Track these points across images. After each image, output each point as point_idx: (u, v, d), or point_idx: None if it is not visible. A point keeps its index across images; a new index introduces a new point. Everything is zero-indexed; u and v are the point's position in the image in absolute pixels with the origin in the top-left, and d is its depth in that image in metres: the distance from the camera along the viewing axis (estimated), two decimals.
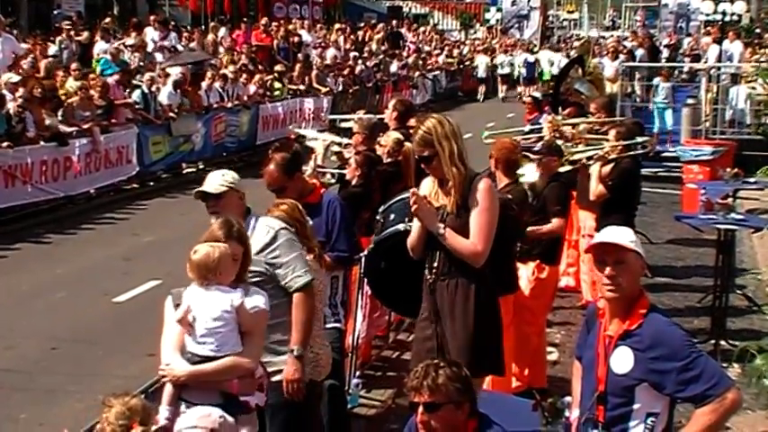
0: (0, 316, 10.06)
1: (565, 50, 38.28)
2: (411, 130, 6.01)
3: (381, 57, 29.18)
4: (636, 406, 4.01)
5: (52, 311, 10.27)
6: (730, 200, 10.11)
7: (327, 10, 39.35)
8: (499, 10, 51.84)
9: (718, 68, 21.41)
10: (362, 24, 34.98)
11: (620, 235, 4.12)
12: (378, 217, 6.33)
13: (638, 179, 10.06)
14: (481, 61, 37.24)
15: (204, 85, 19.53)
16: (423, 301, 5.59)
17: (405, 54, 32.74)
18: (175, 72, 18.82)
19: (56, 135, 14.88)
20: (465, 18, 52.64)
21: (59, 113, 15.26)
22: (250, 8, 34.44)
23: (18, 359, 8.90)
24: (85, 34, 20.23)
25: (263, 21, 26.80)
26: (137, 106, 17.34)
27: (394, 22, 38.50)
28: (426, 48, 35.74)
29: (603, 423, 4.07)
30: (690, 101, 19.80)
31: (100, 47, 19.57)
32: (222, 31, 25.32)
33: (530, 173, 7.86)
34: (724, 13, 25.58)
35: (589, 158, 9.55)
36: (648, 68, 23.52)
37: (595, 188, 9.25)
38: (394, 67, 29.78)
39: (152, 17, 23.77)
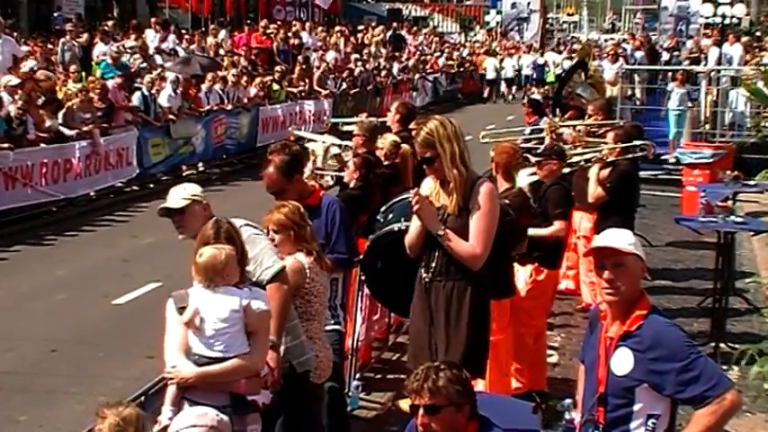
0: (0, 318, 10.06)
1: (567, 52, 38.32)
2: (413, 133, 6.01)
3: (382, 60, 29.15)
4: (636, 407, 4.01)
5: (52, 313, 10.27)
6: (730, 203, 10.10)
7: (327, 12, 39.35)
8: (499, 12, 51.85)
9: (718, 71, 21.41)
10: (362, 27, 34.99)
11: (618, 238, 4.13)
12: (378, 217, 6.34)
13: (637, 182, 10.07)
14: (489, 63, 37.43)
15: (204, 87, 19.53)
16: (415, 300, 5.60)
17: (405, 56, 32.74)
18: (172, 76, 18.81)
19: (56, 137, 14.88)
20: (465, 20, 52.64)
21: (60, 116, 15.26)
22: (250, 10, 34.47)
23: (18, 361, 8.90)
24: (85, 36, 20.21)
25: (263, 23, 26.80)
26: (137, 108, 17.33)
27: (394, 24, 38.47)
28: (426, 50, 35.74)
29: (604, 424, 4.08)
30: (689, 104, 19.81)
31: (99, 49, 19.56)
32: (222, 34, 25.34)
33: (522, 177, 7.83)
34: (723, 16, 25.56)
35: (587, 161, 9.56)
36: (648, 71, 23.51)
37: (594, 191, 9.26)
38: (394, 70, 29.80)
39: (152, 19, 23.78)
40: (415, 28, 40.35)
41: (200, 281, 4.72)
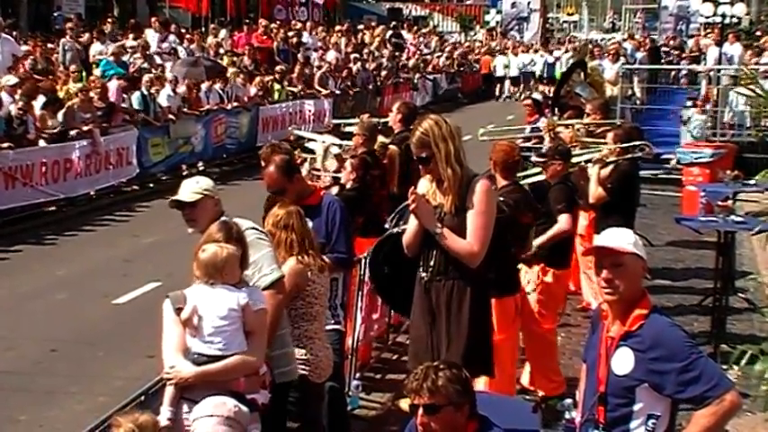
0: (0, 317, 10.07)
1: (569, 50, 38.39)
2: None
3: (384, 60, 29.13)
4: (636, 407, 4.01)
5: (52, 313, 10.27)
6: (730, 202, 10.10)
7: (327, 12, 39.36)
8: (499, 12, 51.84)
9: (718, 71, 21.40)
10: (362, 26, 34.99)
11: (617, 238, 4.13)
12: (387, 225, 6.35)
13: (637, 181, 10.07)
14: (499, 62, 37.65)
15: (204, 86, 19.52)
16: (415, 300, 5.60)
17: (405, 56, 32.73)
18: (171, 76, 18.81)
19: (56, 136, 14.89)
20: (465, 20, 52.64)
21: (60, 115, 15.26)
22: (250, 10, 34.45)
23: (18, 360, 8.91)
24: (87, 36, 20.21)
25: (264, 22, 26.79)
26: (136, 108, 17.33)
27: (393, 23, 38.48)
28: (426, 50, 35.74)
29: (604, 424, 4.08)
30: (689, 103, 19.79)
31: (96, 48, 19.53)
32: (222, 33, 25.34)
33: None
34: (723, 16, 25.54)
35: (587, 161, 9.56)
36: (649, 71, 23.50)
37: (594, 191, 9.26)
38: (395, 69, 29.77)
39: (153, 19, 23.77)
40: (415, 27, 40.35)
41: (200, 276, 4.73)
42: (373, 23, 37.91)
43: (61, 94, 16.23)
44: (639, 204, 10.61)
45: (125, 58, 19.23)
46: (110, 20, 22.48)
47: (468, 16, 53.61)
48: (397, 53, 31.63)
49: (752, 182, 12.31)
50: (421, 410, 3.96)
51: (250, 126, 20.75)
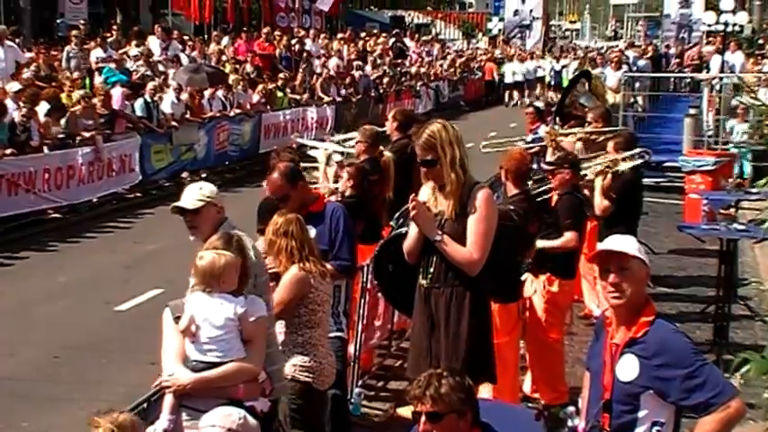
0: (3, 324, 10.07)
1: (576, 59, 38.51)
2: (413, 137, 6.01)
3: (386, 67, 29.15)
4: (641, 414, 4.01)
5: (55, 319, 10.27)
6: (732, 210, 10.10)
7: (330, 19, 39.41)
8: (501, 20, 51.92)
9: (721, 79, 21.41)
10: (364, 34, 35.03)
11: (623, 243, 4.14)
12: (392, 223, 6.35)
13: (640, 190, 10.05)
14: (508, 69, 37.87)
15: (206, 94, 19.54)
16: (415, 307, 5.59)
17: (408, 63, 32.77)
18: (175, 83, 18.83)
19: (59, 143, 14.92)
20: (467, 28, 52.72)
21: (63, 122, 15.29)
22: (253, 17, 34.51)
23: (20, 367, 8.91)
24: (92, 44, 20.24)
25: (266, 30, 26.83)
26: (139, 115, 17.35)
27: (395, 31, 38.53)
28: (427, 58, 35.78)
29: (609, 431, 4.08)
30: (692, 111, 19.80)
31: (96, 54, 19.53)
32: (225, 41, 25.37)
33: None
34: (726, 24, 25.59)
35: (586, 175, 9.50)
36: (651, 78, 23.51)
37: (600, 203, 9.18)
38: (398, 77, 29.80)
39: (156, 26, 23.80)
40: (417, 35, 40.41)
41: (198, 283, 4.72)
42: (375, 31, 37.97)
43: (65, 101, 16.24)
44: (642, 212, 10.60)
45: (128, 65, 19.26)
46: (114, 27, 22.51)
47: (471, 24, 53.70)
48: (399, 60, 31.67)
49: (754, 189, 12.32)
50: (423, 418, 3.95)
51: (253, 133, 20.76)
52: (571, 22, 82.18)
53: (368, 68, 27.79)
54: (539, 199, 7.92)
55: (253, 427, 4.50)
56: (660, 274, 11.26)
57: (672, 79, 29.62)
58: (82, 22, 23.55)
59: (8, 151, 13.80)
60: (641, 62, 27.33)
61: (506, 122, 27.19)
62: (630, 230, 8.59)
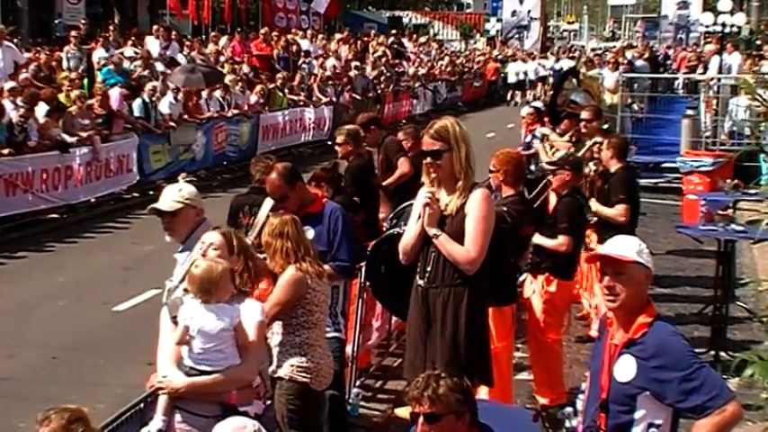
0: (1, 324, 10.06)
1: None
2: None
3: (383, 68, 29.12)
4: (637, 415, 4.01)
5: (53, 320, 10.27)
6: (730, 211, 10.10)
7: (328, 20, 39.38)
8: (499, 20, 51.98)
9: (718, 80, 21.41)
10: (360, 34, 35.02)
11: (621, 247, 4.13)
12: (386, 224, 6.35)
13: (637, 190, 10.02)
14: (511, 69, 38.10)
15: (204, 94, 19.53)
16: (411, 307, 5.59)
17: (406, 64, 32.76)
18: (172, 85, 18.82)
19: (57, 144, 14.91)
20: (465, 28, 52.72)
21: (60, 122, 15.27)
22: (251, 18, 34.48)
23: (18, 368, 8.90)
24: (94, 44, 20.23)
25: (264, 30, 26.81)
26: (137, 116, 17.35)
27: (393, 32, 38.53)
28: (426, 58, 35.79)
29: (605, 431, 4.08)
30: (689, 112, 19.82)
31: (99, 54, 19.54)
32: (223, 41, 25.36)
33: None
34: (724, 25, 25.60)
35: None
36: (649, 79, 23.50)
37: (616, 212, 8.89)
38: (396, 78, 29.78)
39: (155, 27, 23.78)
40: (415, 35, 40.42)
41: (193, 292, 4.68)
42: (373, 31, 37.96)
43: (64, 101, 16.22)
44: (640, 213, 10.59)
45: (126, 65, 19.24)
46: (111, 27, 22.49)
47: (469, 24, 53.70)
48: (397, 61, 31.66)
49: (752, 191, 12.32)
50: (421, 419, 3.95)
51: (251, 134, 20.75)
52: (569, 22, 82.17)
53: (366, 69, 27.76)
54: (536, 203, 7.92)
55: None
56: (658, 274, 11.14)
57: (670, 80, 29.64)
58: (82, 22, 23.52)
59: (5, 151, 13.80)
60: (639, 63, 27.32)
61: (504, 123, 27.19)
62: (630, 231, 8.56)
